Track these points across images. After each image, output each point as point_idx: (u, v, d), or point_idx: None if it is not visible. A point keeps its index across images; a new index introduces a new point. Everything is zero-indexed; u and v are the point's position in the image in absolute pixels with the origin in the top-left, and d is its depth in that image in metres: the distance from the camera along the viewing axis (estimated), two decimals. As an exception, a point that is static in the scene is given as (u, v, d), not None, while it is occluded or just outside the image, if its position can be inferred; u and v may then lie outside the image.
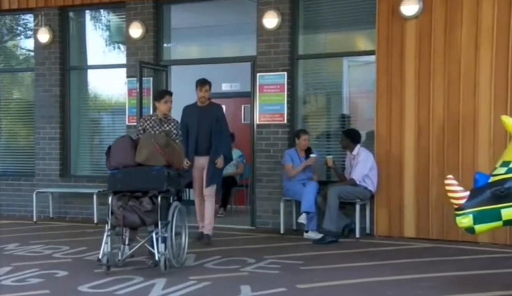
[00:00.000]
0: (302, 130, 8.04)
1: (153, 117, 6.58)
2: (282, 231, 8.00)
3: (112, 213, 5.72)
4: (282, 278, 5.58)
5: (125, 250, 5.88)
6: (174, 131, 6.50)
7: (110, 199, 5.76)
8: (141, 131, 6.46)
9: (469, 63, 7.23)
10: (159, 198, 5.71)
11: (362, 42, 8.52)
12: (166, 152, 5.85)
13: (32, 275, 5.69)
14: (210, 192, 7.37)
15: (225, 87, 11.27)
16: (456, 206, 4.65)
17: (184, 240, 6.17)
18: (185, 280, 5.46)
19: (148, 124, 6.51)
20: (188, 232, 6.34)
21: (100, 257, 5.70)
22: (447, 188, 4.67)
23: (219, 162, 7.29)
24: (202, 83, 7.36)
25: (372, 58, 7.88)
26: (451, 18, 7.31)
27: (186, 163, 6.88)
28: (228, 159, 7.55)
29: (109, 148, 6.01)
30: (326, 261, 6.38)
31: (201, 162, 7.35)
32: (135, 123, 8.15)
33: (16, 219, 9.49)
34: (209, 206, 7.36)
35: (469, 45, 7.22)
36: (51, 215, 9.52)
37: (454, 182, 4.66)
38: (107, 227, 5.74)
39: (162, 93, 6.72)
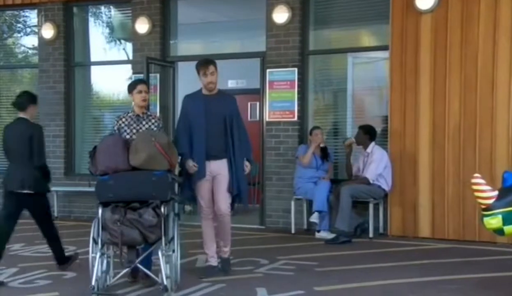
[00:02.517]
0: (315, 127, 7.85)
1: (129, 114, 5.26)
2: (293, 231, 7.82)
3: (103, 229, 4.69)
4: (298, 280, 5.40)
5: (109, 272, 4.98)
6: (154, 129, 5.20)
7: (99, 211, 4.71)
8: (116, 131, 5.22)
9: (486, 59, 7.04)
10: (162, 209, 4.71)
11: (375, 37, 8.31)
12: (168, 154, 4.86)
13: (40, 277, 5.53)
14: (227, 210, 5.54)
15: (232, 84, 11.09)
16: (483, 206, 4.44)
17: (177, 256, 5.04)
18: (197, 282, 5.28)
19: (123, 122, 5.21)
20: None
21: (92, 284, 4.67)
22: (474, 187, 4.47)
23: (248, 168, 5.57)
24: (206, 64, 5.51)
25: (386, 54, 7.69)
26: (468, 12, 7.12)
27: (193, 165, 5.38)
28: (251, 159, 5.75)
29: (94, 148, 4.95)
30: (341, 262, 6.19)
31: (212, 168, 5.48)
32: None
33: (20, 218, 9.25)
34: (227, 222, 5.58)
35: (487, 39, 7.03)
36: (55, 214, 9.30)
37: (482, 180, 4.46)
38: (95, 245, 4.72)
39: (134, 83, 5.41)
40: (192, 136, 5.44)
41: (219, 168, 5.48)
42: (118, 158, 4.79)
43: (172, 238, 4.84)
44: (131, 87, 5.31)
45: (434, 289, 5.10)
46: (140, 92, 5.22)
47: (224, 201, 5.48)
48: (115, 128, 5.24)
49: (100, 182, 4.78)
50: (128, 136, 5.15)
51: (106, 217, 4.67)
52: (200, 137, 5.43)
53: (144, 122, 5.22)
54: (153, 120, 5.27)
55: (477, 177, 4.47)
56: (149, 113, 5.34)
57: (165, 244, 4.77)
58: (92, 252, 4.72)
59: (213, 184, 5.51)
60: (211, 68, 5.49)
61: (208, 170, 5.46)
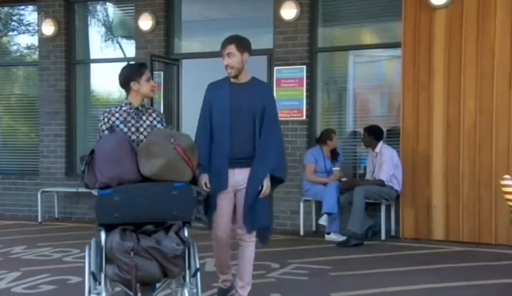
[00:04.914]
0: (333, 131, 7.60)
1: (124, 108, 4.03)
2: (301, 233, 7.60)
3: (108, 261, 3.54)
4: (313, 286, 5.18)
5: None
6: (160, 127, 4.08)
7: (102, 236, 3.57)
8: (104, 131, 3.96)
9: (503, 54, 6.83)
10: (186, 233, 3.69)
11: (387, 34, 8.08)
12: (191, 159, 3.76)
13: (44, 281, 5.29)
14: (252, 236, 4.40)
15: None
16: (513, 209, 4.23)
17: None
18: (208, 287, 5.04)
19: (117, 118, 3.99)
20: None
21: None
22: (504, 189, 4.25)
23: (265, 187, 4.27)
24: (223, 43, 4.38)
25: (398, 51, 7.47)
26: (483, 6, 6.91)
27: (205, 183, 4.21)
28: (282, 177, 4.42)
29: (92, 152, 3.75)
30: (355, 266, 5.98)
31: (237, 179, 4.30)
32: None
33: (20, 219, 9.07)
34: (250, 252, 4.43)
35: (504, 34, 6.82)
36: (56, 216, 9.09)
37: (511, 182, 4.24)
38: (95, 284, 3.61)
39: (138, 68, 4.12)
40: (214, 136, 4.29)
41: (244, 179, 4.28)
42: (124, 165, 3.69)
43: (197, 271, 3.73)
44: (135, 73, 4.05)
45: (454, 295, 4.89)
46: (148, 80, 4.08)
47: (244, 223, 4.32)
48: (104, 128, 3.97)
49: (102, 198, 3.61)
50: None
51: (113, 246, 3.48)
52: (223, 137, 4.26)
53: (144, 118, 4.04)
54: (154, 115, 4.10)
55: (507, 179, 4.25)
56: (147, 106, 4.18)
57: (190, 279, 3.68)
58: (90, 293, 3.61)
59: (236, 199, 4.32)
60: (230, 47, 4.29)
61: (231, 181, 4.28)
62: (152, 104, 8.25)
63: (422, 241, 7.13)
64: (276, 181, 4.37)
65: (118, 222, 3.59)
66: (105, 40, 9.73)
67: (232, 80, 4.33)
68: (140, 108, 4.06)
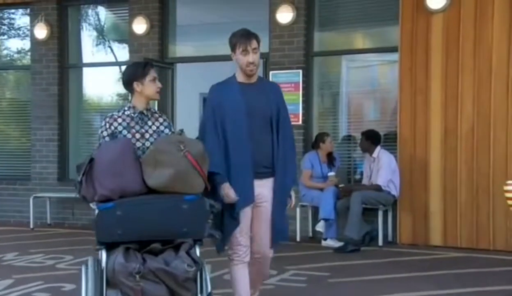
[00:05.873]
0: (326, 133, 7.55)
1: (127, 112, 3.67)
2: (298, 239, 7.52)
3: (109, 285, 3.19)
4: (313, 293, 5.10)
5: None
6: (168, 132, 3.74)
7: (103, 257, 3.23)
8: (106, 139, 3.60)
9: (501, 60, 6.78)
10: (198, 252, 3.33)
11: (384, 38, 8.03)
12: (203, 168, 3.39)
13: (37, 289, 5.17)
14: (271, 251, 4.01)
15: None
16: (517, 214, 4.16)
17: None
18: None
19: (120, 124, 3.63)
20: None
21: None
22: (508, 194, 4.19)
23: (294, 197, 3.97)
24: (247, 36, 3.81)
25: (395, 55, 7.43)
26: (481, 10, 6.87)
27: (232, 193, 3.72)
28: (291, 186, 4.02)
29: (91, 161, 3.35)
30: (354, 272, 5.90)
31: (257, 191, 3.82)
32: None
33: (11, 225, 8.94)
34: (267, 265, 4.10)
35: (501, 39, 6.78)
36: (48, 221, 8.97)
37: (515, 187, 4.18)
38: None
39: (143, 67, 3.71)
40: (228, 145, 3.75)
41: (263, 192, 3.82)
42: (127, 175, 3.31)
43: (210, 294, 3.37)
44: (138, 73, 3.66)
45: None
46: (154, 80, 3.69)
47: (268, 240, 3.91)
48: (105, 134, 3.60)
49: (102, 213, 3.24)
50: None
51: (116, 267, 3.12)
52: (243, 144, 3.73)
53: (150, 123, 3.68)
54: (160, 120, 3.73)
55: (510, 184, 4.19)
56: (153, 110, 3.79)
57: None
58: None
59: (254, 215, 3.87)
60: (255, 43, 3.78)
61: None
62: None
63: (419, 247, 7.06)
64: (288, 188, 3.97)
65: (121, 240, 3.20)
66: (98, 44, 9.64)
67: (239, 80, 3.85)
68: (145, 112, 3.69)
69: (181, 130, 3.55)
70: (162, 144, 3.42)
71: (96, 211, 3.31)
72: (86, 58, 9.55)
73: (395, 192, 7.18)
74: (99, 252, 3.26)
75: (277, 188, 3.83)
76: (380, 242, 7.08)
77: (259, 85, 3.90)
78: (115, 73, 9.41)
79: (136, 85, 3.66)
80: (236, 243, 3.84)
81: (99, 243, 3.26)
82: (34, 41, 9.26)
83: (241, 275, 3.90)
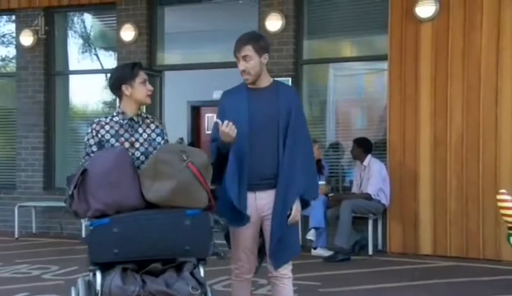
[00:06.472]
0: (314, 141, 7.50)
1: (115, 119, 3.41)
2: (287, 248, 7.44)
3: None
4: (304, 303, 5.04)
5: None
6: (160, 141, 3.46)
7: (98, 279, 2.98)
8: (93, 148, 3.34)
9: (490, 68, 6.79)
10: (202, 272, 3.11)
11: (373, 46, 8.04)
12: (207, 181, 3.14)
13: (22, 301, 5.07)
14: (287, 268, 3.68)
15: (217, 95, 10.77)
16: (510, 225, 4.13)
17: None
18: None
19: (107, 131, 3.37)
20: None
21: None
22: (500, 204, 4.15)
23: (294, 212, 3.54)
24: (236, 44, 3.62)
25: (384, 64, 7.42)
26: (470, 19, 6.88)
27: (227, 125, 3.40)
28: (313, 198, 3.77)
29: (83, 172, 3.07)
30: (344, 282, 5.85)
31: (259, 204, 3.57)
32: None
33: (-4, 235, 8.80)
34: (289, 289, 3.73)
35: (490, 48, 6.79)
36: (34, 231, 8.83)
37: (508, 197, 4.14)
38: None
39: (131, 68, 3.42)
40: (229, 152, 3.50)
41: (269, 204, 3.55)
42: (124, 188, 3.04)
43: None
44: (126, 74, 3.38)
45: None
46: (144, 82, 3.41)
47: (274, 258, 3.59)
48: (91, 142, 3.33)
49: (96, 230, 2.97)
50: None
51: (113, 290, 2.87)
52: (241, 154, 3.49)
53: (141, 130, 3.41)
54: (152, 126, 3.44)
55: (503, 193, 4.16)
56: (145, 115, 3.49)
57: None
58: None
59: (264, 229, 3.61)
60: (246, 49, 3.54)
61: (253, 207, 3.54)
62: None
63: (409, 256, 7.03)
64: (305, 203, 3.61)
65: (118, 260, 2.94)
66: (85, 51, 9.55)
67: (250, 87, 3.63)
68: (135, 118, 3.40)
69: (181, 139, 3.36)
70: (163, 154, 3.14)
71: (90, 228, 3.03)
72: (72, 66, 9.46)
73: (385, 200, 7.15)
74: (92, 273, 3.01)
75: (277, 199, 3.52)
76: (370, 251, 7.05)
77: (271, 90, 3.63)
78: (102, 80, 9.32)
79: (125, 88, 3.37)
80: (236, 258, 3.64)
81: (93, 264, 2.99)
82: (20, 48, 9.16)
83: (240, 288, 3.71)
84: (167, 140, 3.48)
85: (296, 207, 3.53)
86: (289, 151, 3.53)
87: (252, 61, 3.53)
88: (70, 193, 3.07)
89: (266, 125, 3.55)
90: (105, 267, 2.97)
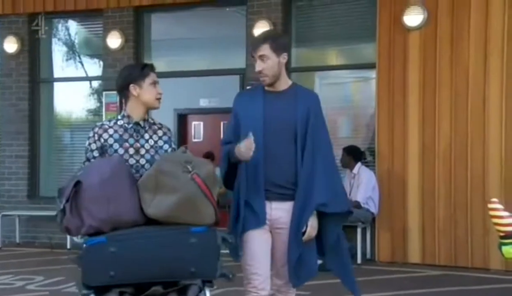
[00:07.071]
0: None
1: (119, 122, 3.17)
2: (275, 257, 7.40)
3: None
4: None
5: None
6: (167, 148, 3.22)
7: None
8: (95, 153, 3.12)
9: (477, 76, 6.81)
10: (208, 295, 2.86)
11: (361, 55, 8.03)
12: (214, 196, 2.87)
13: (6, 313, 4.96)
14: (288, 290, 3.46)
15: (203, 102, 10.70)
16: (502, 234, 4.07)
17: None
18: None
19: (111, 136, 3.13)
20: None
21: None
22: (492, 213, 4.09)
23: (309, 229, 3.29)
24: (254, 43, 3.42)
25: (372, 72, 7.42)
26: (457, 28, 6.91)
27: (250, 142, 3.21)
28: (341, 211, 3.41)
29: (76, 184, 2.79)
30: (334, 291, 5.76)
31: (274, 215, 3.33)
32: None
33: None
34: None
35: (477, 56, 6.82)
36: (17, 240, 8.70)
37: (499, 206, 4.08)
38: None
39: (144, 68, 3.22)
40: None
41: (285, 217, 3.30)
42: (121, 202, 2.76)
43: None
44: (136, 73, 3.15)
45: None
46: (155, 84, 3.17)
47: (284, 274, 3.39)
48: (93, 147, 3.10)
49: (91, 250, 2.71)
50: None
51: None
52: (256, 161, 3.23)
53: (147, 136, 3.16)
54: (160, 133, 3.20)
55: (494, 202, 4.12)
56: (152, 120, 3.24)
57: None
58: None
59: (273, 240, 3.35)
60: (262, 48, 3.28)
61: (268, 215, 3.30)
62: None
63: (398, 265, 7.01)
64: (340, 215, 3.38)
65: (114, 283, 2.66)
66: (70, 59, 9.46)
67: (268, 88, 3.38)
68: (141, 123, 3.14)
69: (186, 147, 2.99)
70: (165, 164, 2.84)
71: (84, 246, 2.76)
72: (57, 73, 9.36)
73: (374, 209, 7.13)
74: None
75: (295, 212, 3.24)
76: (359, 260, 7.01)
77: (289, 94, 3.38)
78: (87, 88, 9.24)
79: (133, 88, 3.12)
80: (249, 271, 3.29)
81: (86, 287, 2.70)
82: (4, 55, 9.06)
83: None
84: (174, 149, 3.21)
85: (311, 224, 3.28)
86: (308, 160, 3.27)
87: (269, 61, 3.29)
88: (62, 207, 2.80)
89: (283, 130, 3.31)
90: (100, 291, 2.70)
